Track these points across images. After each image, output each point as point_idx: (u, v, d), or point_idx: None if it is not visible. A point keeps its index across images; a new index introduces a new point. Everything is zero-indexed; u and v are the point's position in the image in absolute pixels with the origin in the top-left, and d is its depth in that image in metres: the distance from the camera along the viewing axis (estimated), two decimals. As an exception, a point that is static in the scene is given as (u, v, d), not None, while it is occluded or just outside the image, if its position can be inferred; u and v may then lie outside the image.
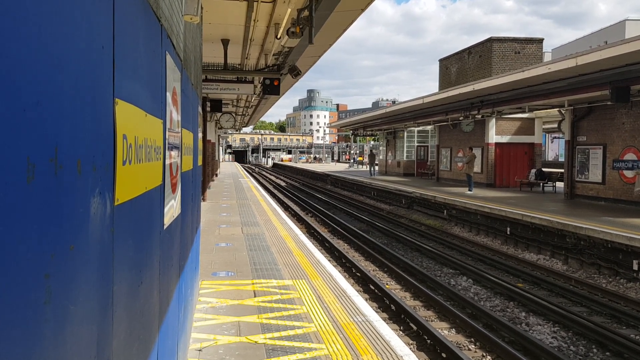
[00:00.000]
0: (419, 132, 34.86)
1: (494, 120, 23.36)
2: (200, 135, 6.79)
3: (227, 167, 58.26)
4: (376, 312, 7.11)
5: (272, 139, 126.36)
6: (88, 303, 1.33)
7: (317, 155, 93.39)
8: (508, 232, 14.97)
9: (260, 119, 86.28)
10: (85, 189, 1.31)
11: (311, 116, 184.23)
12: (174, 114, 3.29)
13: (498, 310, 9.17)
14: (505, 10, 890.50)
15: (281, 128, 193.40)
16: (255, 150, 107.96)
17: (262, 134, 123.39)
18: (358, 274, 11.46)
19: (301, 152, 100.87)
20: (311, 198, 29.05)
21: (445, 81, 28.77)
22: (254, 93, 17.48)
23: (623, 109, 16.11)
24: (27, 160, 0.93)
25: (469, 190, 20.75)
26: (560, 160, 39.91)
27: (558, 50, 44.09)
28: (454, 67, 28.23)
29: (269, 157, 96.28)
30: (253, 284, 7.31)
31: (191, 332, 5.19)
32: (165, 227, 2.84)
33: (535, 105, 18.92)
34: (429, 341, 7.48)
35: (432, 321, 8.47)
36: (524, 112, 20.88)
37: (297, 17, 9.55)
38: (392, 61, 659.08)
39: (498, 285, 10.42)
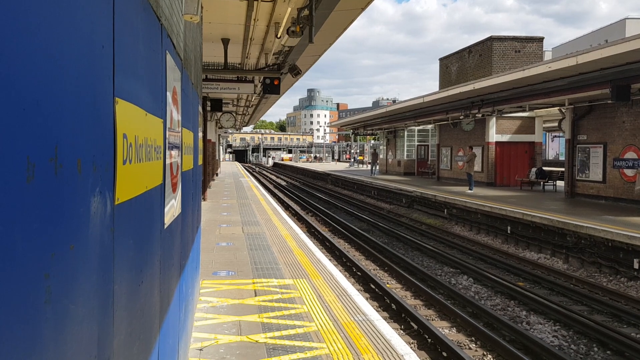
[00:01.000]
0: (419, 131, 34.85)
1: (494, 119, 23.36)
2: (200, 134, 6.79)
3: (228, 166, 58.28)
4: (377, 311, 7.11)
5: (272, 138, 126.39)
6: (88, 302, 1.33)
7: (318, 155, 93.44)
8: (509, 231, 14.97)
9: (261, 119, 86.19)
10: (86, 188, 1.31)
11: (311, 115, 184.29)
12: (174, 114, 3.29)
13: (499, 309, 9.18)
14: (506, 9, 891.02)
15: (281, 127, 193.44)
16: (255, 149, 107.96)
17: (262, 134, 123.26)
18: (359, 273, 11.46)
19: (301, 152, 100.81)
20: (312, 197, 29.06)
21: (446, 80, 28.74)
22: (254, 92, 17.50)
23: (623, 108, 16.10)
24: (27, 160, 0.93)
25: (470, 189, 20.74)
26: (560, 159, 39.87)
27: (558, 49, 44.00)
28: (455, 66, 28.20)
29: (269, 156, 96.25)
30: (254, 283, 7.31)
31: (192, 331, 5.19)
32: (165, 226, 2.84)
33: (535, 104, 18.92)
34: (429, 340, 7.48)
35: (432, 320, 8.48)
36: (524, 111, 20.87)
37: (297, 16, 9.55)
38: (392, 60, 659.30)
39: (499, 284, 10.42)
